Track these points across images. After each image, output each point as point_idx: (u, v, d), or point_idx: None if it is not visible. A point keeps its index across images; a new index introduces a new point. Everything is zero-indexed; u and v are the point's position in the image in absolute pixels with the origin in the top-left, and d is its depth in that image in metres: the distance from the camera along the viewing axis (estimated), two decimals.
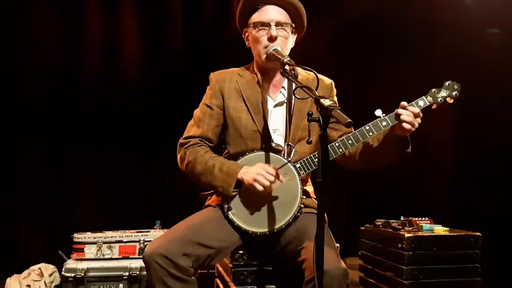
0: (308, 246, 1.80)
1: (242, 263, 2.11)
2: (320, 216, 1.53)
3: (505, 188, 3.87)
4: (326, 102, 1.54)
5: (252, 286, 2.11)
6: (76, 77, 3.95)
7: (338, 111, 1.50)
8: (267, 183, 1.91)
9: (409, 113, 1.92)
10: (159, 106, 4.05)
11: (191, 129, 2.14)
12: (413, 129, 1.93)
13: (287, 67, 1.90)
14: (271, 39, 2.03)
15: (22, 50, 3.83)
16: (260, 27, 2.06)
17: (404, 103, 1.96)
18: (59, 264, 3.24)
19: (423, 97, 2.03)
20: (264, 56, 2.05)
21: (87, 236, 3.18)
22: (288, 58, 1.91)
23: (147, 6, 4.09)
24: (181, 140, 2.13)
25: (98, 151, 3.96)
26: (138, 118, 4.01)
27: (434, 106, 2.04)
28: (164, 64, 4.10)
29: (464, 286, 3.03)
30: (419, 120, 1.94)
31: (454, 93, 2.05)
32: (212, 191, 2.14)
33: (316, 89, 1.75)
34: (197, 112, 2.17)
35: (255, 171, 1.94)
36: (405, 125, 1.91)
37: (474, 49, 4.06)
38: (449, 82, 2.06)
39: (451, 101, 2.06)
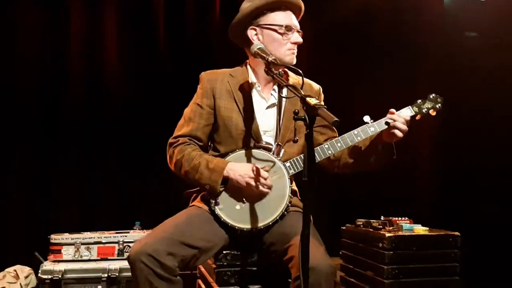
0: (295, 243, 1.79)
1: (225, 263, 2.09)
2: (306, 214, 1.52)
3: (485, 189, 3.94)
4: (312, 101, 1.54)
5: (236, 287, 2.09)
6: (59, 81, 3.89)
7: (325, 109, 1.50)
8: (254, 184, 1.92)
9: (401, 119, 1.97)
10: (139, 108, 4.01)
11: (180, 128, 2.12)
12: (402, 136, 1.97)
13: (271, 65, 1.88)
14: (297, 44, 2.09)
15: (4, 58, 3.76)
16: (286, 30, 2.07)
17: (393, 110, 2.00)
18: (35, 266, 3.18)
19: (409, 106, 2.09)
20: (288, 58, 2.07)
21: (65, 237, 3.12)
22: (273, 57, 1.90)
23: (129, 8, 4.05)
24: (170, 140, 2.12)
25: (77, 151, 3.90)
26: (118, 119, 3.96)
27: (418, 117, 2.10)
28: (147, 66, 4.07)
29: (444, 285, 3.06)
30: (407, 127, 1.98)
31: (437, 106, 2.12)
32: (197, 189, 2.14)
33: (302, 88, 1.75)
34: (187, 111, 2.15)
35: (242, 169, 1.94)
36: (396, 131, 1.96)
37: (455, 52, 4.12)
38: (433, 95, 2.12)
39: (434, 113, 2.12)
